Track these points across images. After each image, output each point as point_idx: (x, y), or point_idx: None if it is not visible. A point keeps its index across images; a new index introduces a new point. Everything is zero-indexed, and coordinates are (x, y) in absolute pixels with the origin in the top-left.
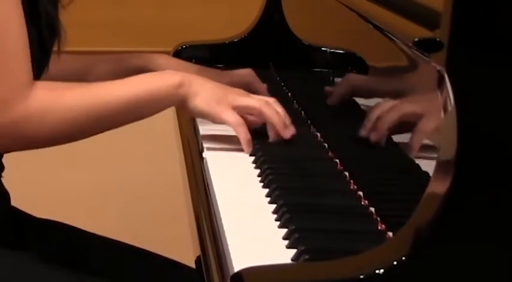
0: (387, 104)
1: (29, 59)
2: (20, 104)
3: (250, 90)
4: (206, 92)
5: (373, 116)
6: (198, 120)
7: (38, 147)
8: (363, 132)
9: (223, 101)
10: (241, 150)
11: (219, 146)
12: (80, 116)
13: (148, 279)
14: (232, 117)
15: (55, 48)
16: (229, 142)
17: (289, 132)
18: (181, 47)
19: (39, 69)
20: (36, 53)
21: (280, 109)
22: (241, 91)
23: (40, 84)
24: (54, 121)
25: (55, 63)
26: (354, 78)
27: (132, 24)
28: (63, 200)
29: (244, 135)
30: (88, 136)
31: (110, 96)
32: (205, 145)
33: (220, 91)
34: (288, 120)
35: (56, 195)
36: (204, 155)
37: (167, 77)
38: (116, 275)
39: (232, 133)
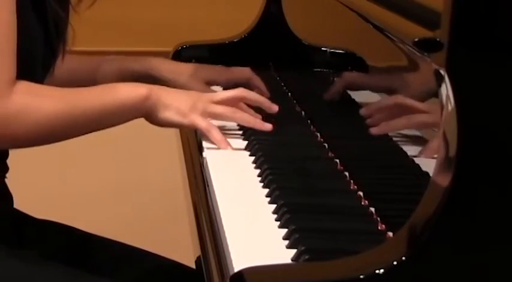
0: (386, 102)
1: (13, 58)
2: (1, 103)
3: (249, 87)
4: (176, 102)
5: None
6: None
7: (18, 147)
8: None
9: (194, 109)
10: (241, 150)
11: (219, 146)
12: (55, 120)
13: (148, 280)
14: (203, 122)
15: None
16: (229, 141)
17: (266, 126)
18: (181, 47)
19: (45, 68)
20: (42, 53)
21: (253, 97)
22: (210, 95)
23: (21, 85)
24: (31, 123)
25: (62, 64)
26: (352, 76)
27: (132, 24)
28: (64, 200)
29: (217, 137)
30: (65, 139)
31: (82, 105)
32: (205, 145)
33: (189, 100)
34: (270, 105)
35: (56, 196)
36: (204, 154)
37: (134, 90)
38: (116, 275)
39: (232, 133)
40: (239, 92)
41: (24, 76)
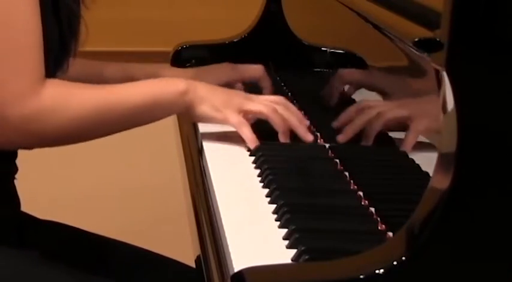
0: (384, 105)
1: (42, 55)
2: (31, 100)
3: (258, 86)
4: (212, 97)
5: (368, 116)
6: None
7: (45, 146)
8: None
9: (229, 105)
10: (242, 150)
11: (219, 146)
12: (89, 117)
13: (149, 279)
14: (235, 118)
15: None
16: (230, 142)
17: (308, 136)
18: (181, 47)
19: (58, 66)
20: (56, 50)
21: (292, 108)
22: (246, 95)
23: (52, 81)
24: (63, 120)
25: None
26: (352, 74)
27: (132, 24)
28: (65, 200)
29: (247, 134)
30: (94, 138)
31: (118, 100)
32: (205, 145)
33: (225, 96)
34: (303, 121)
35: (57, 196)
36: (204, 154)
37: (173, 84)
38: (116, 274)
39: (232, 133)
40: (283, 105)
41: None
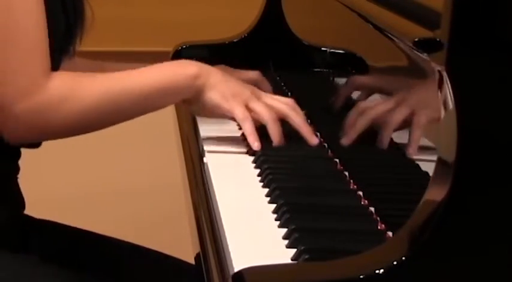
0: (385, 104)
1: (47, 48)
2: (38, 93)
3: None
4: (223, 85)
5: (371, 115)
6: (198, 119)
7: (54, 138)
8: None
9: (240, 95)
10: (241, 149)
11: (219, 146)
12: (98, 106)
13: (148, 276)
14: (240, 112)
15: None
16: (230, 142)
17: (314, 139)
18: (181, 47)
19: (64, 50)
20: (61, 33)
21: (298, 120)
22: (258, 91)
23: (59, 73)
24: (73, 110)
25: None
26: (356, 80)
27: (132, 23)
28: (64, 200)
29: (248, 129)
30: (105, 126)
31: (129, 86)
32: (205, 145)
33: (237, 86)
34: (306, 127)
35: (57, 196)
36: (204, 154)
37: (185, 68)
38: (115, 273)
39: (232, 133)
40: (290, 106)
41: None
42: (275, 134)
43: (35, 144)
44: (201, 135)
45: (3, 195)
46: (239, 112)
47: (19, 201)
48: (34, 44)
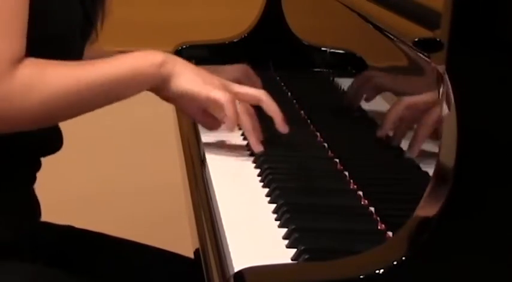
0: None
1: (21, 34)
2: (4, 81)
3: (246, 84)
4: (191, 71)
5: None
6: None
7: (21, 129)
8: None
9: (211, 83)
10: (241, 149)
11: (219, 146)
12: (63, 95)
13: (148, 272)
14: (221, 94)
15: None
16: (230, 142)
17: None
18: (181, 47)
19: (85, 37)
20: (80, 21)
21: (271, 106)
22: (229, 82)
23: (27, 61)
24: (37, 100)
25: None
26: (360, 79)
27: (132, 24)
28: (64, 200)
29: (232, 113)
30: (73, 116)
31: (92, 75)
32: (205, 145)
33: (207, 75)
34: (279, 119)
35: (58, 196)
36: (204, 154)
37: (150, 56)
38: (116, 272)
39: (232, 133)
40: (261, 94)
41: (62, 45)
42: (250, 129)
43: (54, 149)
44: (201, 135)
45: (21, 204)
46: (218, 94)
47: (36, 209)
48: (5, 27)
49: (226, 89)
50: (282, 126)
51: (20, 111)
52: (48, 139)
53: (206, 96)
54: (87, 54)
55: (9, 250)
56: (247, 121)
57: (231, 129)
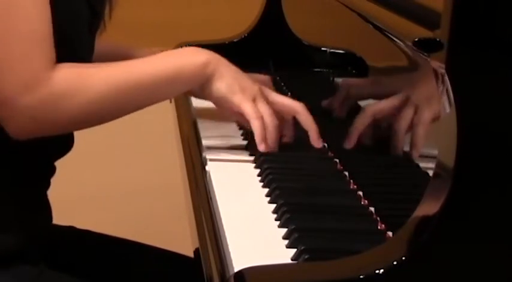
0: (385, 104)
1: (51, 39)
2: (42, 86)
3: None
4: (232, 75)
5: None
6: (198, 120)
7: (62, 131)
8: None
9: (248, 90)
10: (241, 149)
11: (219, 146)
12: (105, 97)
13: (148, 271)
14: (251, 109)
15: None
16: (230, 142)
17: (320, 143)
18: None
19: (93, 29)
20: (87, 15)
21: (307, 120)
22: (267, 90)
23: (65, 65)
24: (79, 104)
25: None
26: (353, 83)
27: (132, 23)
28: (65, 200)
29: (259, 131)
30: (114, 118)
31: (136, 76)
32: (205, 145)
33: (246, 79)
34: (314, 134)
35: (58, 196)
36: (204, 155)
37: (194, 56)
38: (116, 271)
39: (232, 133)
40: (298, 106)
41: (69, 41)
42: (271, 138)
43: (67, 151)
44: (201, 135)
45: (35, 208)
46: (249, 109)
47: (48, 213)
48: (37, 34)
49: (263, 96)
50: (316, 141)
51: (61, 116)
52: (62, 141)
53: (238, 106)
54: (100, 48)
55: (16, 254)
56: (273, 137)
57: (260, 145)
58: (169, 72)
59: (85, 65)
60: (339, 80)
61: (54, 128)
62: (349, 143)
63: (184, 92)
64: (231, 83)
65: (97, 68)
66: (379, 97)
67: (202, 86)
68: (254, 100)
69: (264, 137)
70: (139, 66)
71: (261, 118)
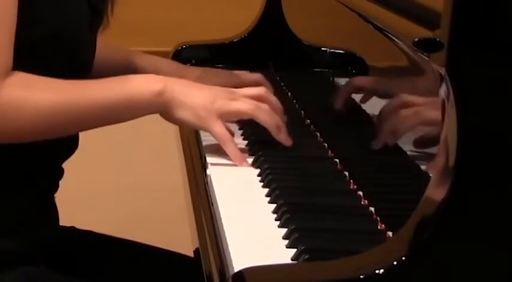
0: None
1: (8, 47)
2: None
3: None
4: (191, 100)
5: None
6: None
7: (17, 140)
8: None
9: (211, 110)
10: (241, 149)
11: (219, 146)
12: (57, 112)
13: (148, 270)
14: (220, 131)
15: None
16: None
17: (284, 135)
18: (181, 47)
19: (94, 27)
20: (88, 14)
21: (274, 101)
22: (229, 90)
23: (15, 78)
24: (21, 119)
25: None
26: (356, 81)
27: (132, 24)
28: (65, 200)
29: (232, 151)
30: (73, 132)
31: (86, 98)
32: (205, 145)
33: (206, 97)
34: (282, 118)
35: (62, 198)
36: (204, 155)
37: (149, 83)
38: (116, 270)
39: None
40: (261, 90)
41: (70, 40)
42: (266, 120)
43: (71, 152)
44: (201, 136)
45: (42, 211)
46: (217, 131)
47: (55, 216)
48: None
49: (232, 93)
50: (278, 138)
51: (8, 130)
52: (68, 142)
53: (207, 130)
54: (102, 50)
55: (19, 256)
56: (267, 119)
57: (241, 163)
58: (121, 98)
59: (36, 79)
60: (339, 80)
61: (5, 137)
62: (338, 104)
63: (143, 116)
64: (192, 107)
65: (47, 84)
66: (381, 95)
67: (164, 113)
68: (222, 111)
69: (241, 156)
70: (93, 89)
71: (230, 139)
